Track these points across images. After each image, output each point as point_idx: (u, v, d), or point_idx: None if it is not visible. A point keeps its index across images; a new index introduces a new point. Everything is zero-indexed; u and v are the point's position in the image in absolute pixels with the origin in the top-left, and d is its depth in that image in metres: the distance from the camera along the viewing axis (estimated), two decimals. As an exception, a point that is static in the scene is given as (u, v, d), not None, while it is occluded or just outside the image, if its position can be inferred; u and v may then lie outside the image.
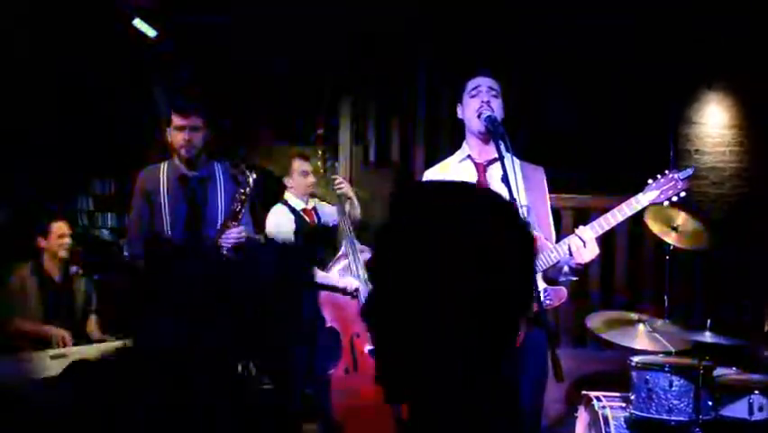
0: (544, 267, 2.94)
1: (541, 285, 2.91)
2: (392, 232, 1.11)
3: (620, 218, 3.00)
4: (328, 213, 4.75)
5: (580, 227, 2.95)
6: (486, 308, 1.05)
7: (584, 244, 2.87)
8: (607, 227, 3.00)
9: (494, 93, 3.12)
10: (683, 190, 3.06)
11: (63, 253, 4.74)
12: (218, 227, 3.75)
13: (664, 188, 3.04)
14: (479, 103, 3.08)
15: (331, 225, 4.76)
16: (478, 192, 1.16)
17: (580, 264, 2.91)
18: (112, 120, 6.93)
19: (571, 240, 2.90)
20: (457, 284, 1.04)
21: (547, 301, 2.85)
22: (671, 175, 3.06)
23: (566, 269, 3.00)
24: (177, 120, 3.76)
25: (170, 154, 3.91)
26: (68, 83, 6.27)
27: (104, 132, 7.02)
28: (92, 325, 4.83)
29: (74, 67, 6.21)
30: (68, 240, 4.75)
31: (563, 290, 2.98)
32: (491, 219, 1.08)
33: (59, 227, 4.74)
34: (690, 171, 3.10)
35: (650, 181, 3.06)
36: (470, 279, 1.05)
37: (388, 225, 1.12)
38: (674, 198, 3.06)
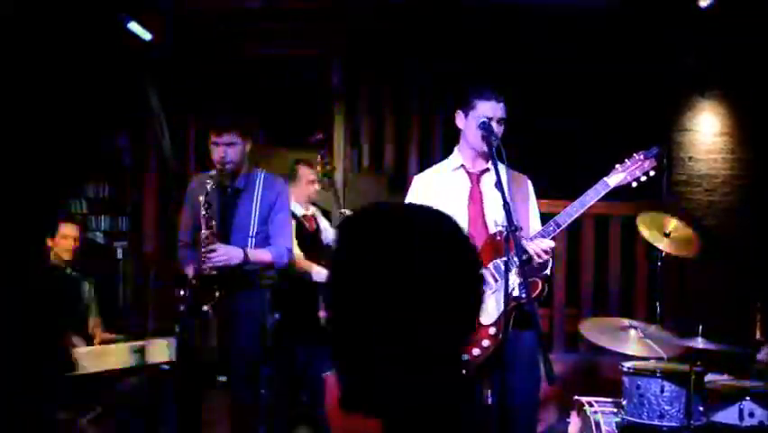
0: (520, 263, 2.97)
1: (516, 279, 2.93)
2: (345, 256, 1.15)
3: (588, 203, 3.03)
4: (329, 235, 4.73)
5: (536, 241, 2.99)
6: (429, 331, 1.10)
7: (543, 251, 2.94)
8: (576, 214, 3.04)
9: (503, 121, 3.15)
10: (651, 169, 3.09)
11: (66, 255, 4.78)
12: (250, 235, 3.84)
13: (630, 168, 3.09)
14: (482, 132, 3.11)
15: (327, 243, 4.76)
16: (424, 218, 1.18)
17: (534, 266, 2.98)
18: (106, 124, 6.93)
19: (529, 248, 2.95)
20: (403, 307, 1.09)
21: (523, 294, 2.87)
22: (636, 156, 3.11)
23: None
24: (212, 137, 3.83)
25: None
26: (62, 85, 6.26)
27: (98, 136, 7.03)
28: (93, 326, 4.88)
29: (68, 69, 6.20)
30: (73, 243, 4.78)
31: (538, 282, 3.00)
32: (437, 247, 1.12)
33: (65, 228, 4.78)
34: (655, 150, 3.13)
35: (617, 165, 3.11)
36: (414, 303, 1.09)
37: (342, 249, 1.16)
38: (643, 178, 3.10)
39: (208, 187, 3.78)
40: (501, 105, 3.15)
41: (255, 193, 3.93)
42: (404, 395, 1.11)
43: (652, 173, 3.08)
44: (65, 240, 4.77)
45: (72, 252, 4.80)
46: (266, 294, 4.09)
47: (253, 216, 3.90)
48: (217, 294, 3.77)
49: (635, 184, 3.09)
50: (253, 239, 3.89)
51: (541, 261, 2.97)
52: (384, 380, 1.11)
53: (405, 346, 1.09)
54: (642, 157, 3.09)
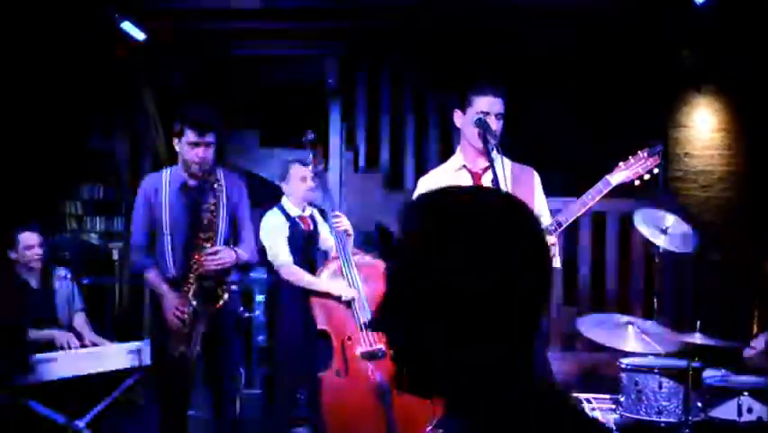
0: None
1: None
2: (413, 237, 1.14)
3: (591, 202, 3.01)
4: (327, 243, 4.68)
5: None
6: (511, 303, 1.09)
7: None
8: (578, 213, 3.02)
9: (500, 116, 3.12)
10: (655, 166, 3.06)
11: (35, 264, 4.64)
12: (219, 235, 3.77)
13: (633, 166, 3.06)
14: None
15: (324, 249, 4.72)
16: (495, 198, 1.19)
17: None
18: (100, 125, 6.92)
19: None
20: (482, 282, 1.08)
21: None
22: (640, 154, 3.08)
23: None
24: (192, 136, 3.70)
25: (176, 162, 3.90)
26: (55, 87, 6.25)
27: (91, 136, 7.01)
28: (79, 323, 4.79)
29: (61, 71, 6.19)
30: (37, 250, 4.62)
31: None
32: (510, 221, 1.12)
33: (26, 238, 4.62)
34: (659, 147, 3.11)
35: (620, 164, 3.09)
36: (495, 277, 1.08)
37: (408, 231, 1.15)
38: (646, 176, 3.07)
39: (167, 186, 3.76)
40: (499, 99, 3.12)
41: (222, 192, 3.84)
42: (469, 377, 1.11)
43: (655, 171, 3.06)
44: (29, 250, 4.61)
45: (40, 260, 4.65)
46: (238, 293, 4.10)
47: (221, 215, 3.83)
48: (226, 295, 3.76)
49: (637, 182, 3.07)
50: (222, 239, 3.82)
51: None
52: (452, 364, 1.10)
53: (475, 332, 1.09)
54: (645, 155, 3.06)
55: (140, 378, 4.66)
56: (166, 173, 3.88)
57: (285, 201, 4.62)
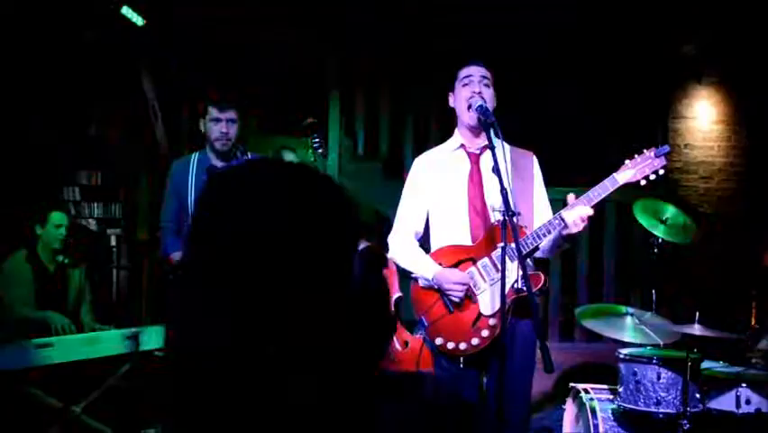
0: (535, 244, 2.94)
1: (517, 272, 2.88)
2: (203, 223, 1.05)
3: (596, 199, 2.99)
4: None
5: (578, 206, 2.94)
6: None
7: (580, 219, 2.90)
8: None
9: (486, 82, 3.11)
10: (661, 168, 3.03)
11: (56, 245, 4.74)
12: None
13: (640, 166, 3.03)
14: (469, 92, 3.07)
15: None
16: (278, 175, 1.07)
17: (572, 234, 2.93)
18: (99, 110, 6.88)
19: (568, 215, 2.90)
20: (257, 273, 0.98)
21: (524, 287, 2.83)
22: (647, 153, 3.05)
23: (560, 241, 3.01)
24: (214, 112, 3.77)
25: (203, 145, 3.92)
26: (55, 70, 6.22)
27: (90, 122, 6.98)
28: (84, 313, 4.84)
29: (59, 58, 6.15)
30: (63, 231, 4.74)
31: (540, 275, 2.96)
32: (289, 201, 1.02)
33: (59, 218, 4.74)
34: (666, 149, 3.07)
35: (627, 161, 3.06)
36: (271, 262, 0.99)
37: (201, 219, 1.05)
38: (652, 177, 3.04)
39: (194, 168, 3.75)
40: (479, 66, 3.13)
41: None
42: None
43: (661, 172, 3.03)
44: (56, 229, 4.73)
45: (63, 241, 4.77)
46: None
47: None
48: None
49: (643, 182, 3.04)
50: None
51: (578, 228, 2.92)
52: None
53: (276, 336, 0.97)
54: (652, 155, 3.03)
55: (137, 364, 4.65)
56: (194, 157, 3.92)
57: None
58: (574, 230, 2.91)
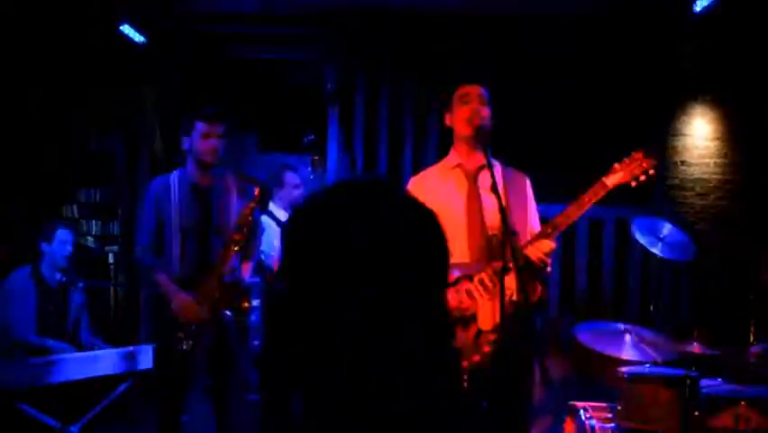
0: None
1: (512, 284, 2.89)
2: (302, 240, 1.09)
3: (587, 205, 2.99)
4: None
5: (540, 241, 2.94)
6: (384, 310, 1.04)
7: (544, 255, 2.90)
8: (574, 217, 3.00)
9: (483, 101, 3.13)
10: (651, 168, 3.04)
11: (63, 262, 4.76)
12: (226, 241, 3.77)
13: (629, 167, 3.04)
14: (468, 112, 3.09)
15: None
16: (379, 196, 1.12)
17: (539, 272, 2.95)
18: (99, 127, 6.90)
19: (531, 252, 2.91)
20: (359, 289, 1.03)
21: (520, 300, 2.83)
22: (635, 155, 3.06)
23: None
24: (203, 127, 3.73)
25: (183, 162, 3.90)
26: (54, 86, 6.23)
27: (89, 139, 6.99)
28: (83, 330, 4.86)
29: (60, 72, 6.17)
30: (69, 248, 4.77)
31: (537, 286, 2.96)
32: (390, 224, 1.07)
33: (65, 235, 4.77)
34: (654, 149, 3.09)
35: (615, 165, 3.06)
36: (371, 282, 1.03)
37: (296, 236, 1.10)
38: (642, 178, 3.04)
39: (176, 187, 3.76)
40: (476, 86, 3.15)
41: (232, 193, 3.85)
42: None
43: (651, 172, 3.03)
44: (63, 245, 4.74)
45: (68, 258, 4.78)
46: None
47: (233, 217, 3.82)
48: (246, 304, 3.78)
49: (633, 184, 3.04)
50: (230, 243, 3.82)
51: (542, 264, 2.93)
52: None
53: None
54: (641, 156, 3.05)
55: (134, 383, 4.64)
56: (174, 175, 3.88)
57: (273, 206, 4.61)
58: (541, 265, 2.92)
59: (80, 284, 4.90)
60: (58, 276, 4.78)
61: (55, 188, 6.92)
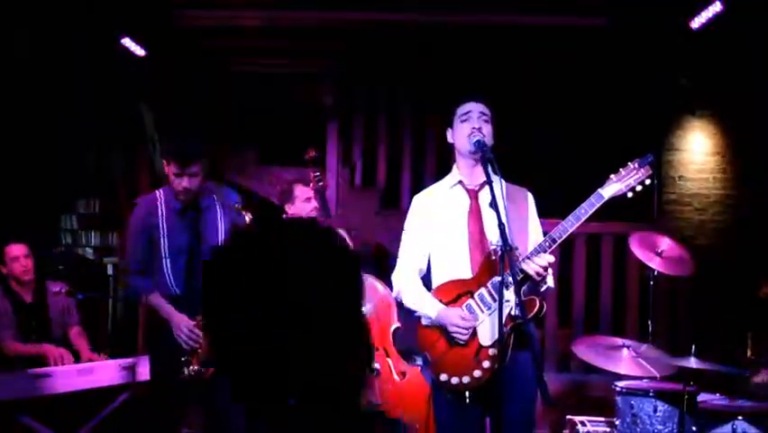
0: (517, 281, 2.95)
1: (512, 298, 2.90)
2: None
3: (584, 217, 3.00)
4: None
5: (539, 255, 2.96)
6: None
7: (543, 269, 2.92)
8: (571, 229, 3.01)
9: (485, 118, 3.14)
10: (647, 178, 3.04)
11: (26, 277, 4.67)
12: None
13: (625, 178, 3.04)
14: (469, 129, 3.10)
15: None
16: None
17: (540, 286, 2.97)
18: (97, 139, 6.92)
19: (529, 267, 2.93)
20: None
21: (519, 314, 2.84)
22: (631, 165, 3.07)
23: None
24: (175, 168, 3.67)
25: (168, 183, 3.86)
26: (54, 98, 6.26)
27: (88, 151, 7.01)
28: (75, 338, 4.79)
29: (60, 86, 6.19)
30: (23, 261, 4.66)
31: (536, 300, 2.97)
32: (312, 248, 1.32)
33: (11, 250, 4.66)
34: (649, 157, 3.08)
35: (611, 176, 3.07)
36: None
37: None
38: (638, 188, 3.04)
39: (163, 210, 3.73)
40: (477, 103, 3.16)
41: (217, 212, 3.81)
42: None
43: (647, 182, 3.03)
44: (16, 262, 4.65)
45: (28, 271, 4.68)
46: None
47: (221, 235, 3.78)
48: None
49: (630, 194, 3.04)
50: None
51: (540, 278, 2.95)
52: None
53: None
54: (636, 165, 3.05)
55: (133, 394, 4.64)
56: (159, 195, 3.83)
57: None
58: (539, 279, 2.94)
59: (58, 287, 4.82)
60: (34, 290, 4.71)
61: (54, 199, 6.93)
